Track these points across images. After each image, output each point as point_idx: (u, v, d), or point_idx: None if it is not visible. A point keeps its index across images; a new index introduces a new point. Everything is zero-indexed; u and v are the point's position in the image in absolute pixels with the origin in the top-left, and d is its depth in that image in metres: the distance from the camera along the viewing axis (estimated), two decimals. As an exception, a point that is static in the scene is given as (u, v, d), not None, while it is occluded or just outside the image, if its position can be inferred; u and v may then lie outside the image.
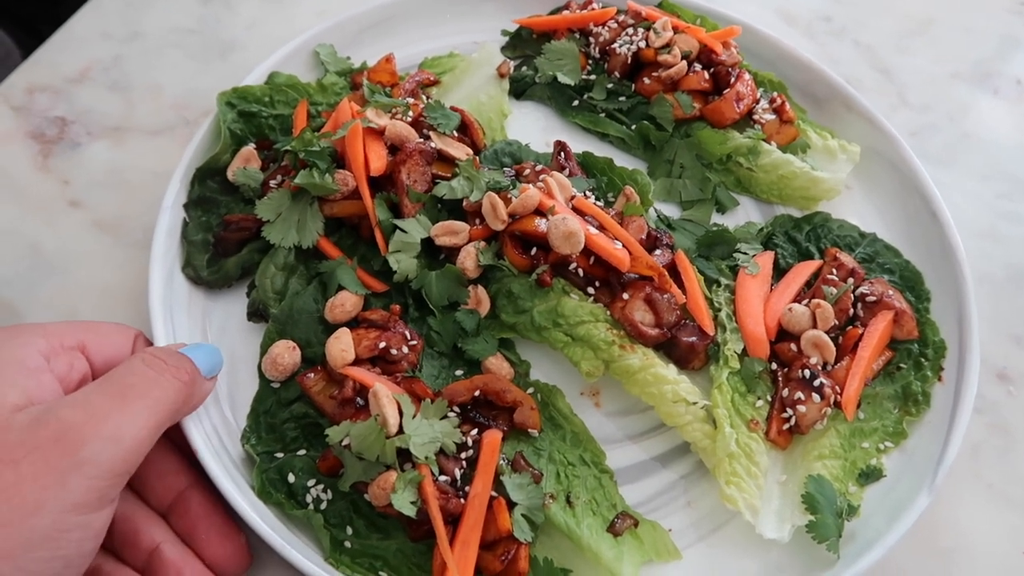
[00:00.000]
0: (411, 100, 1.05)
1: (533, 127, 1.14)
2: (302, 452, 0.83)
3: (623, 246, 0.91)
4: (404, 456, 0.77)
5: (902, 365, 0.93)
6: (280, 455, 0.82)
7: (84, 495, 0.61)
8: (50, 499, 0.60)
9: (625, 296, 0.89)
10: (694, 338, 0.89)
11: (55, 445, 0.61)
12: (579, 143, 1.11)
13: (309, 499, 0.79)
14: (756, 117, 1.10)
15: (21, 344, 0.69)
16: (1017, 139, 1.19)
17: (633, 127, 1.11)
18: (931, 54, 1.29)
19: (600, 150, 1.10)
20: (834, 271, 0.96)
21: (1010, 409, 0.95)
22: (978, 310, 0.99)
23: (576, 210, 0.94)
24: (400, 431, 0.77)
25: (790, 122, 1.09)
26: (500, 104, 1.13)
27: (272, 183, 0.97)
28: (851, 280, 0.95)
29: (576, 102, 1.15)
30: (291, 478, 0.80)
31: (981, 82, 1.25)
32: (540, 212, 0.91)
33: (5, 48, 1.58)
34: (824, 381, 0.86)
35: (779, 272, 0.99)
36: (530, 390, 0.88)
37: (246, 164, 1.00)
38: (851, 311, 0.93)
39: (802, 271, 0.98)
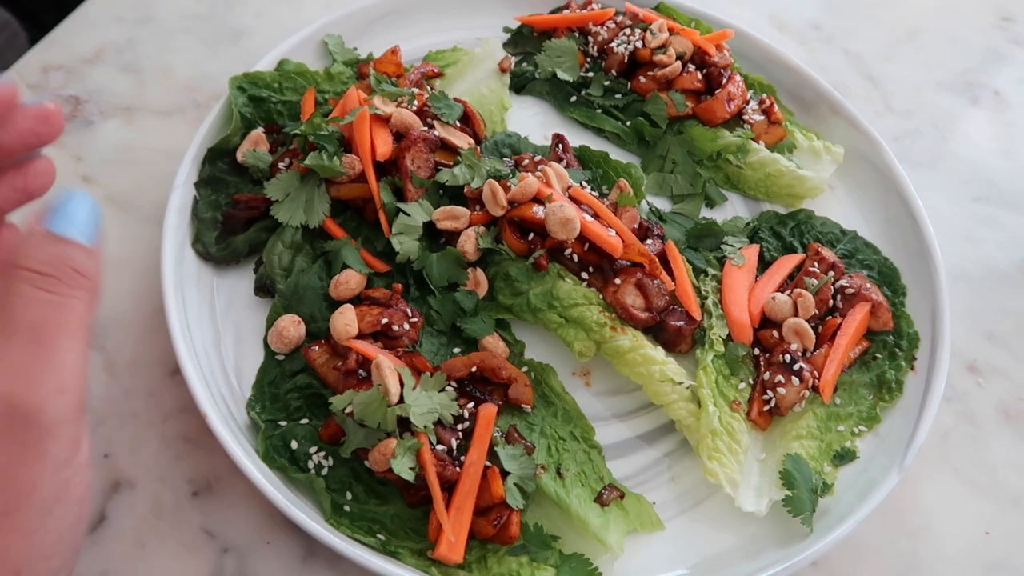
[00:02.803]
0: (416, 90, 1.09)
1: (532, 121, 1.18)
2: (305, 421, 0.86)
3: (616, 234, 0.95)
4: (404, 425, 0.81)
5: (878, 355, 0.98)
6: (284, 423, 0.86)
7: (63, 450, 0.58)
8: (36, 472, 0.57)
9: (617, 281, 0.93)
10: (682, 322, 0.93)
11: (10, 426, 0.56)
12: (576, 137, 1.15)
13: (311, 465, 0.83)
14: (746, 117, 1.14)
15: None
16: (994, 147, 1.24)
17: (628, 123, 1.15)
18: (916, 63, 1.34)
19: (596, 144, 1.14)
20: (816, 264, 1.01)
21: (978, 399, 1.00)
22: (952, 307, 1.04)
23: (573, 199, 0.98)
24: (401, 401, 0.81)
25: (778, 123, 1.14)
26: (501, 97, 1.18)
27: (280, 165, 1.01)
28: (832, 273, 1.00)
29: (574, 98, 1.19)
30: (294, 445, 0.84)
31: (963, 91, 1.31)
32: (538, 200, 0.96)
33: (12, 30, 1.60)
34: (803, 366, 0.90)
35: (764, 264, 1.04)
36: (524, 368, 0.92)
37: (255, 146, 1.03)
38: (831, 302, 0.98)
39: (785, 263, 1.02)
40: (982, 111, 1.28)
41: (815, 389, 0.90)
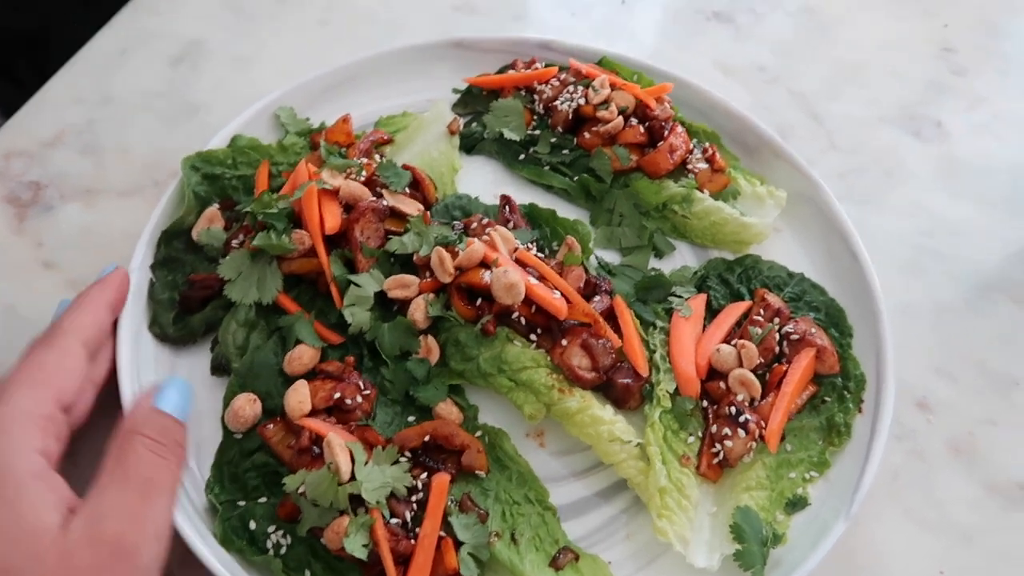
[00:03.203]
0: (365, 160, 1.12)
1: (483, 180, 1.21)
2: (263, 500, 0.88)
3: (562, 295, 0.97)
4: (357, 501, 0.83)
5: (826, 398, 0.99)
6: (242, 503, 0.87)
7: None
8: None
9: (564, 343, 0.96)
10: (629, 380, 0.95)
11: (117, 561, 0.69)
12: (526, 195, 1.18)
13: (270, 544, 0.84)
14: (690, 166, 1.17)
15: (17, 450, 0.73)
16: (937, 178, 1.27)
17: (575, 179, 1.18)
18: (860, 99, 1.37)
19: (545, 201, 1.17)
20: (761, 312, 1.03)
21: (928, 436, 1.02)
22: (901, 342, 1.07)
23: (519, 262, 1.01)
24: (352, 478, 0.83)
25: (721, 171, 1.17)
26: (451, 159, 1.20)
27: (234, 243, 1.03)
28: (776, 320, 1.02)
29: (522, 156, 1.22)
30: (252, 525, 0.85)
31: (906, 125, 1.34)
32: (485, 264, 0.98)
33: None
34: (749, 417, 0.92)
35: (712, 313, 1.06)
36: (478, 433, 0.94)
37: (210, 224, 1.06)
38: (776, 349, 1.00)
39: (732, 312, 1.05)
40: (924, 144, 1.31)
41: (763, 439, 0.92)
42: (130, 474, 0.75)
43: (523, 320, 0.97)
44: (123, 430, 0.78)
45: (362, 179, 1.08)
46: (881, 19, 1.50)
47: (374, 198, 1.06)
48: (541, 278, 0.99)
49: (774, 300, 1.05)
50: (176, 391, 0.84)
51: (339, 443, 0.84)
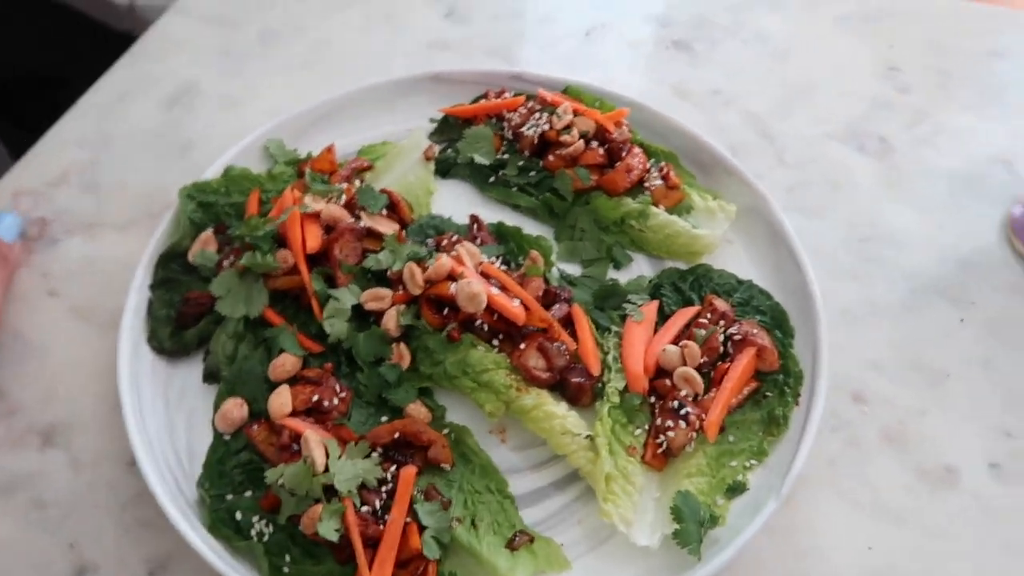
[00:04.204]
0: (346, 185, 1.22)
1: (456, 202, 1.31)
2: (248, 494, 0.97)
3: (521, 303, 1.07)
4: (331, 491, 0.92)
5: (768, 393, 1.08)
6: (230, 497, 0.97)
7: None
8: None
9: (522, 346, 1.05)
10: (582, 379, 1.05)
11: None
12: (495, 214, 1.28)
13: (253, 533, 0.94)
14: (647, 184, 1.27)
15: None
16: (879, 190, 1.36)
17: (540, 198, 1.28)
18: (808, 118, 1.46)
19: (513, 219, 1.27)
20: (708, 315, 1.12)
21: (863, 426, 1.10)
22: (840, 341, 1.16)
23: (483, 274, 1.10)
24: (327, 470, 0.92)
25: (675, 187, 1.27)
26: (427, 183, 1.31)
27: (225, 263, 1.14)
28: (722, 323, 1.11)
29: (492, 178, 1.32)
30: (238, 516, 0.95)
31: (850, 140, 1.43)
32: (452, 277, 1.08)
33: (-1, 155, 1.77)
34: (690, 410, 1.01)
35: (664, 318, 1.15)
36: (445, 431, 1.03)
37: (204, 247, 1.16)
38: (721, 349, 1.09)
39: (682, 316, 1.13)
40: (868, 157, 1.40)
41: (701, 430, 1.01)
42: None
43: (486, 327, 1.07)
44: None
45: (342, 203, 1.18)
46: (830, 43, 1.60)
47: (352, 220, 1.16)
48: (503, 288, 1.09)
49: (720, 304, 1.13)
50: (8, 222, 1.18)
51: (315, 439, 0.94)
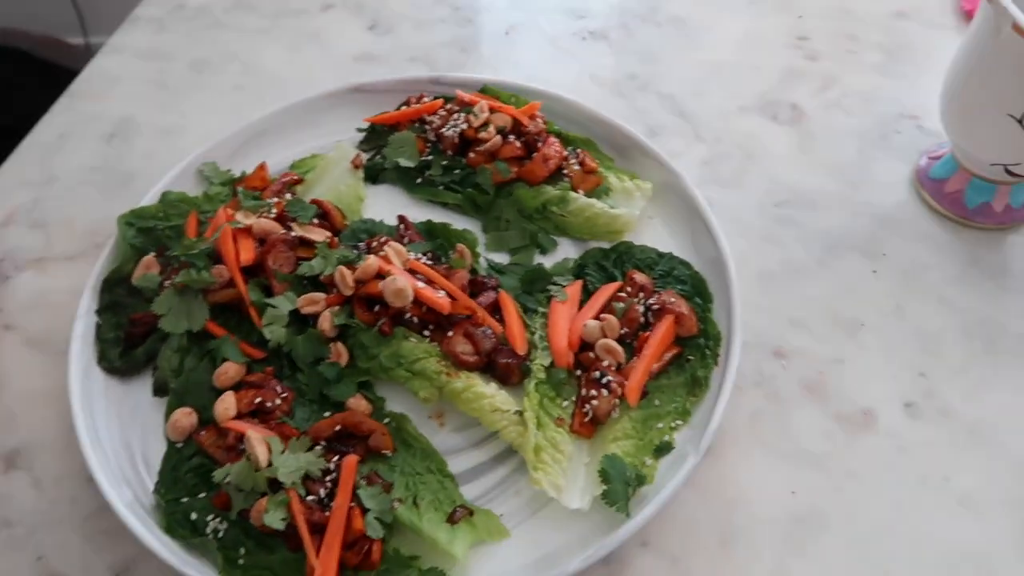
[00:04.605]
0: (276, 199, 1.28)
1: (387, 205, 1.36)
2: (202, 495, 1.03)
3: (447, 294, 1.13)
4: (277, 484, 0.98)
5: (690, 357, 1.14)
6: (184, 499, 1.02)
7: None
8: None
9: (450, 334, 1.11)
10: (509, 359, 1.10)
11: None
12: (424, 213, 1.34)
13: (209, 531, 0.99)
14: (566, 171, 1.33)
15: None
16: (792, 155, 1.42)
17: (465, 194, 1.34)
18: (722, 94, 1.53)
19: (441, 217, 1.33)
20: (628, 289, 1.18)
21: (784, 380, 1.16)
22: (758, 302, 1.22)
23: (410, 270, 1.16)
24: (270, 465, 0.98)
25: (592, 171, 1.33)
26: (357, 190, 1.37)
27: (167, 284, 1.19)
28: (642, 294, 1.17)
29: (419, 180, 1.38)
30: (193, 516, 1.00)
31: (763, 111, 1.49)
32: (381, 276, 1.14)
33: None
34: (612, 379, 1.07)
35: (589, 296, 1.21)
36: (386, 420, 1.09)
37: (147, 271, 1.22)
38: (642, 319, 1.15)
39: (604, 292, 1.19)
40: (781, 126, 1.47)
41: (623, 396, 1.07)
42: None
43: (415, 319, 1.12)
44: None
45: (273, 216, 1.24)
46: (742, 20, 1.67)
47: (284, 231, 1.22)
48: (429, 281, 1.15)
49: (640, 278, 1.20)
50: None
51: (256, 437, 0.99)
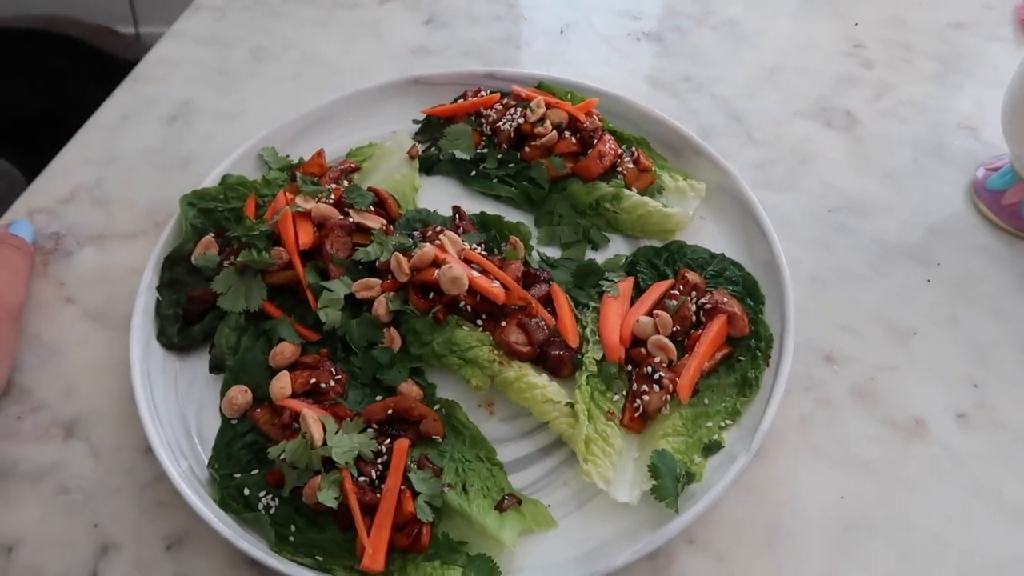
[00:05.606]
0: (334, 185, 1.30)
1: (440, 196, 1.38)
2: (255, 472, 1.04)
3: (501, 284, 1.14)
4: (330, 464, 0.99)
5: (741, 358, 1.14)
6: (238, 475, 1.04)
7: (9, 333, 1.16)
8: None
9: (504, 323, 1.12)
10: (561, 351, 1.11)
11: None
12: (478, 205, 1.35)
13: (261, 507, 1.01)
14: (620, 168, 1.34)
15: None
16: (846, 161, 1.41)
17: (519, 188, 1.35)
18: (776, 97, 1.53)
19: (494, 209, 1.34)
20: (680, 287, 1.19)
21: (834, 385, 1.15)
22: (810, 306, 1.21)
23: (465, 260, 1.17)
24: (324, 444, 0.99)
25: (646, 170, 1.33)
26: (412, 180, 1.38)
27: (226, 263, 1.22)
28: (694, 293, 1.17)
29: (474, 172, 1.39)
30: (246, 491, 1.02)
31: (817, 116, 1.49)
32: (436, 264, 1.15)
33: (12, 176, 1.87)
34: (663, 375, 1.07)
35: (641, 293, 1.21)
36: (436, 406, 1.10)
37: (206, 250, 1.24)
38: (693, 318, 1.15)
39: (656, 289, 1.20)
40: (835, 131, 1.46)
41: (675, 393, 1.07)
42: (2, 262, 1.21)
43: (469, 308, 1.14)
44: None
45: (331, 201, 1.26)
46: (797, 24, 1.66)
47: (342, 216, 1.24)
48: (483, 271, 1.16)
49: (692, 277, 1.20)
50: (23, 226, 1.32)
51: (312, 416, 1.01)
